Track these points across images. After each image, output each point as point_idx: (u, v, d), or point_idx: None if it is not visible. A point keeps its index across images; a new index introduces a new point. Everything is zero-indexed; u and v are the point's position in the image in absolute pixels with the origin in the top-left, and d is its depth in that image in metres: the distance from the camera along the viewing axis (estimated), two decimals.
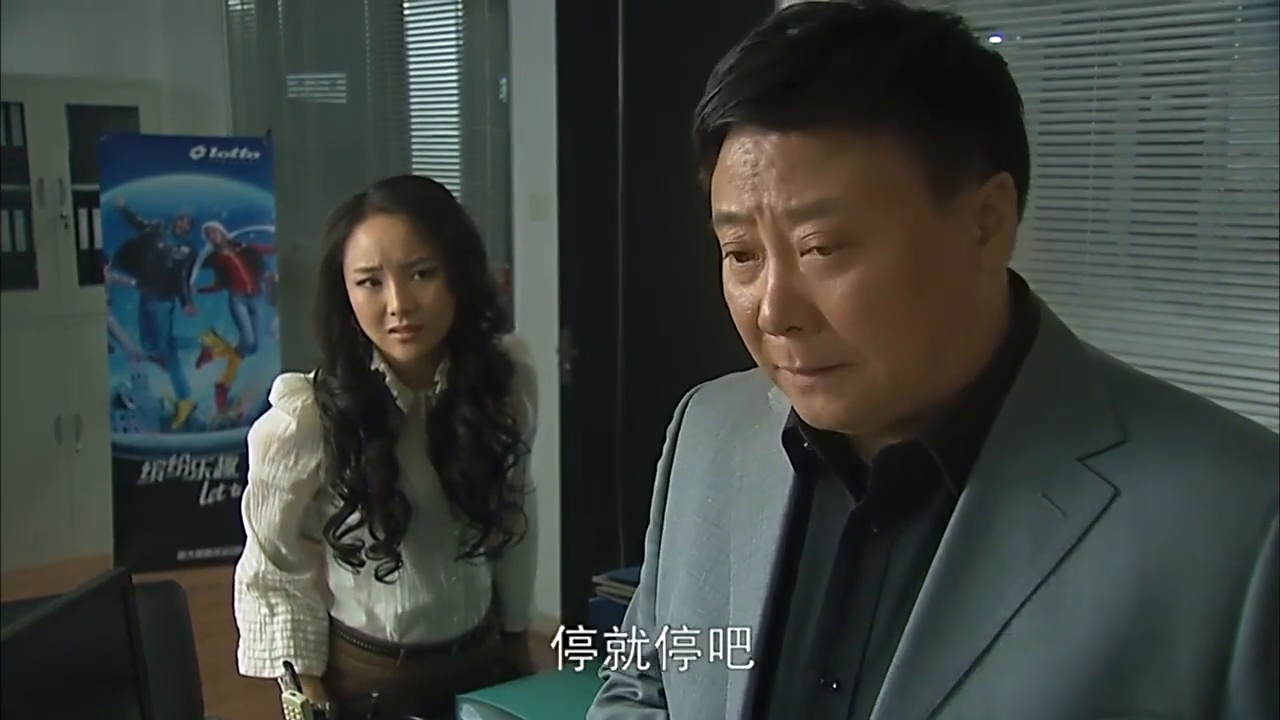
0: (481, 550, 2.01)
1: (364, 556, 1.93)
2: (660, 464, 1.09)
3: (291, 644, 1.95)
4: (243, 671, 1.98)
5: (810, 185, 0.79)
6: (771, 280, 0.82)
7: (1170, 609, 0.76)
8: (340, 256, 1.87)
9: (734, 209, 0.83)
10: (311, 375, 1.94)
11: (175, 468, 4.78)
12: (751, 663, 0.92)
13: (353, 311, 1.88)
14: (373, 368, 1.91)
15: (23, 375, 4.83)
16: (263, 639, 1.96)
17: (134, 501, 4.73)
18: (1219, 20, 2.67)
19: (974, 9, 3.08)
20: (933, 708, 0.81)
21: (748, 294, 0.85)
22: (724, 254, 0.87)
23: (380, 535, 1.90)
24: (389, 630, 1.99)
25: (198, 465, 4.80)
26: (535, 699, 2.12)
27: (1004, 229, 0.84)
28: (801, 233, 0.80)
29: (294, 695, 1.94)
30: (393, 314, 1.82)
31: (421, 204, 1.87)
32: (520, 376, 2.03)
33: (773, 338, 0.84)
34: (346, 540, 1.93)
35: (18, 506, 4.66)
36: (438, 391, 1.93)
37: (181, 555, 4.65)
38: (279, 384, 1.95)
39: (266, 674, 1.96)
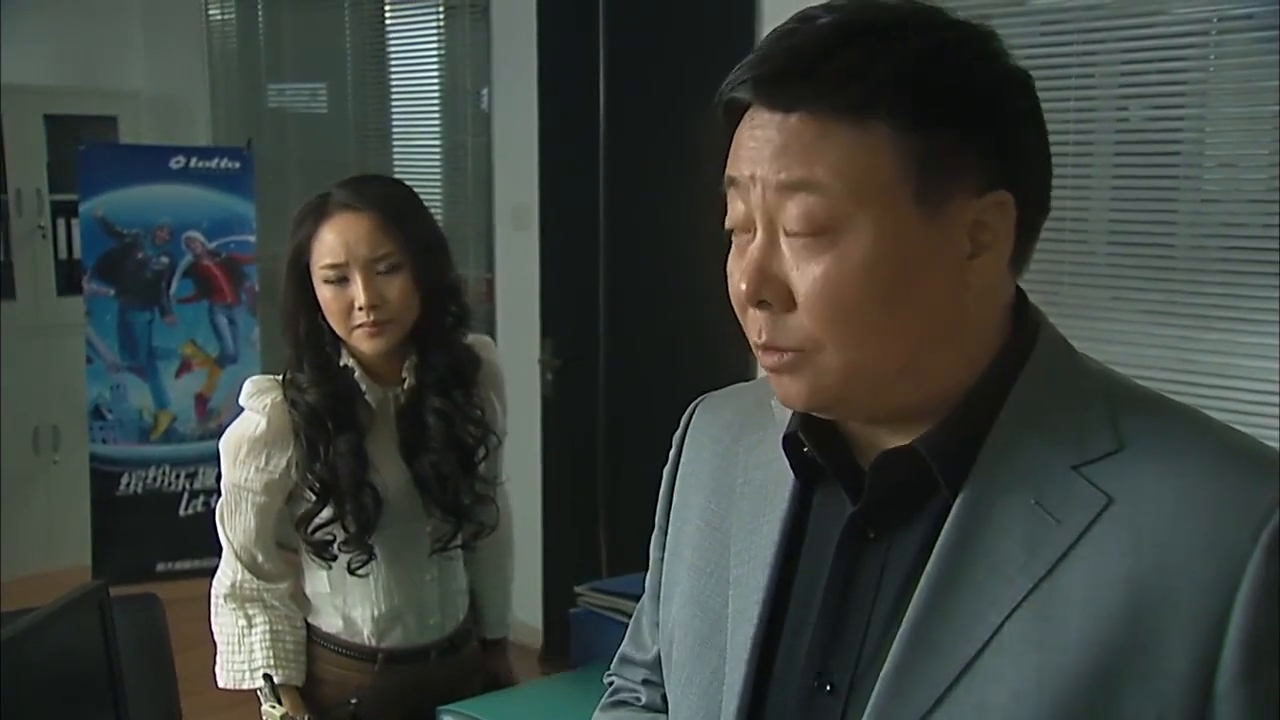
0: (456, 543, 2.01)
1: (336, 551, 1.94)
2: (666, 471, 1.10)
3: (271, 655, 1.95)
4: (221, 685, 1.97)
5: (798, 163, 0.82)
6: (754, 251, 0.85)
7: (1161, 618, 0.77)
8: (306, 254, 1.89)
9: (734, 174, 0.87)
10: (280, 376, 1.95)
11: (155, 479, 4.75)
12: (747, 665, 0.92)
13: (319, 309, 1.90)
14: (341, 364, 1.92)
15: (0, 386, 4.80)
16: (241, 651, 1.96)
17: (113, 513, 4.70)
18: (1195, 32, 2.69)
19: None
20: (924, 711, 0.82)
21: (739, 268, 0.87)
22: (730, 233, 0.90)
23: (352, 528, 1.91)
24: (366, 634, 1.99)
25: (177, 476, 4.77)
26: (516, 710, 2.11)
27: (997, 247, 0.85)
28: (786, 210, 0.83)
29: (273, 708, 1.94)
30: (359, 309, 1.85)
31: (385, 200, 1.89)
32: (486, 373, 2.05)
33: (750, 310, 0.87)
34: (319, 536, 1.93)
35: None
36: (405, 387, 1.95)
37: (161, 567, 4.62)
38: (248, 385, 1.97)
39: (246, 686, 1.95)
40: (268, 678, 1.94)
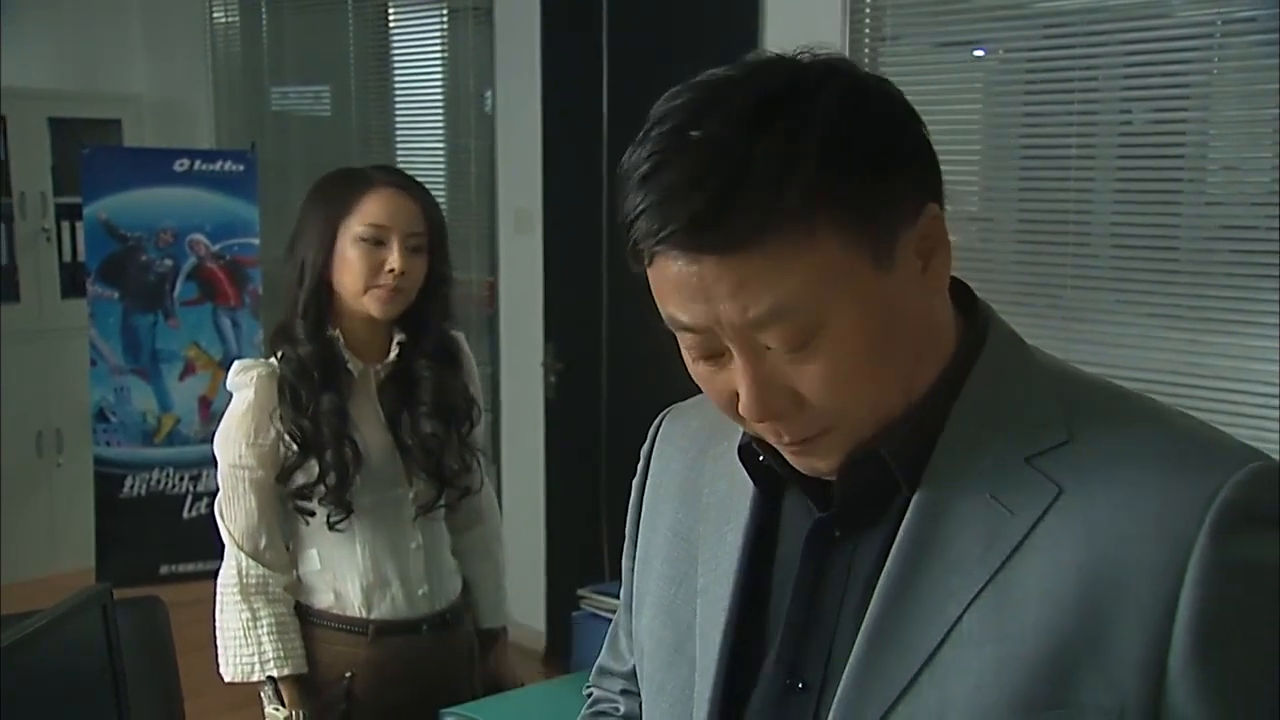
0: (440, 504, 2.08)
1: (316, 505, 2.00)
2: (635, 482, 1.11)
3: (280, 646, 1.98)
4: (229, 679, 1.99)
5: (763, 296, 0.79)
6: (746, 376, 0.83)
7: (1113, 606, 0.78)
8: (343, 217, 1.98)
9: (688, 320, 0.83)
10: (265, 359, 2.04)
11: (158, 481, 4.75)
12: (715, 674, 0.93)
13: (328, 275, 1.99)
14: (328, 334, 2.01)
15: (4, 389, 4.81)
16: (249, 644, 1.98)
17: (116, 516, 4.70)
18: (1199, 35, 2.69)
19: (958, 24, 3.10)
20: (887, 706, 0.83)
21: (720, 379, 0.86)
22: (686, 353, 0.87)
23: (331, 481, 1.97)
24: (356, 605, 2.04)
25: (181, 479, 4.77)
26: (519, 712, 2.12)
27: (941, 249, 0.86)
28: (764, 337, 0.81)
29: (277, 710, 1.94)
30: (389, 271, 1.96)
31: (423, 191, 2.06)
32: (469, 363, 2.17)
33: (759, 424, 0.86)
34: (301, 490, 1.99)
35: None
36: (391, 359, 2.05)
37: (164, 570, 4.62)
38: (234, 366, 2.06)
39: (255, 679, 1.98)
40: (272, 680, 1.95)
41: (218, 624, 2.02)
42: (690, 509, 1.02)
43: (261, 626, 1.98)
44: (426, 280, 2.03)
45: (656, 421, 1.12)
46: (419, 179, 2.12)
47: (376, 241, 1.96)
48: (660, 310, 0.85)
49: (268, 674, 1.96)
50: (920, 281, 0.85)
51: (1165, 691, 0.77)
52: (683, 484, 1.04)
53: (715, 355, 0.84)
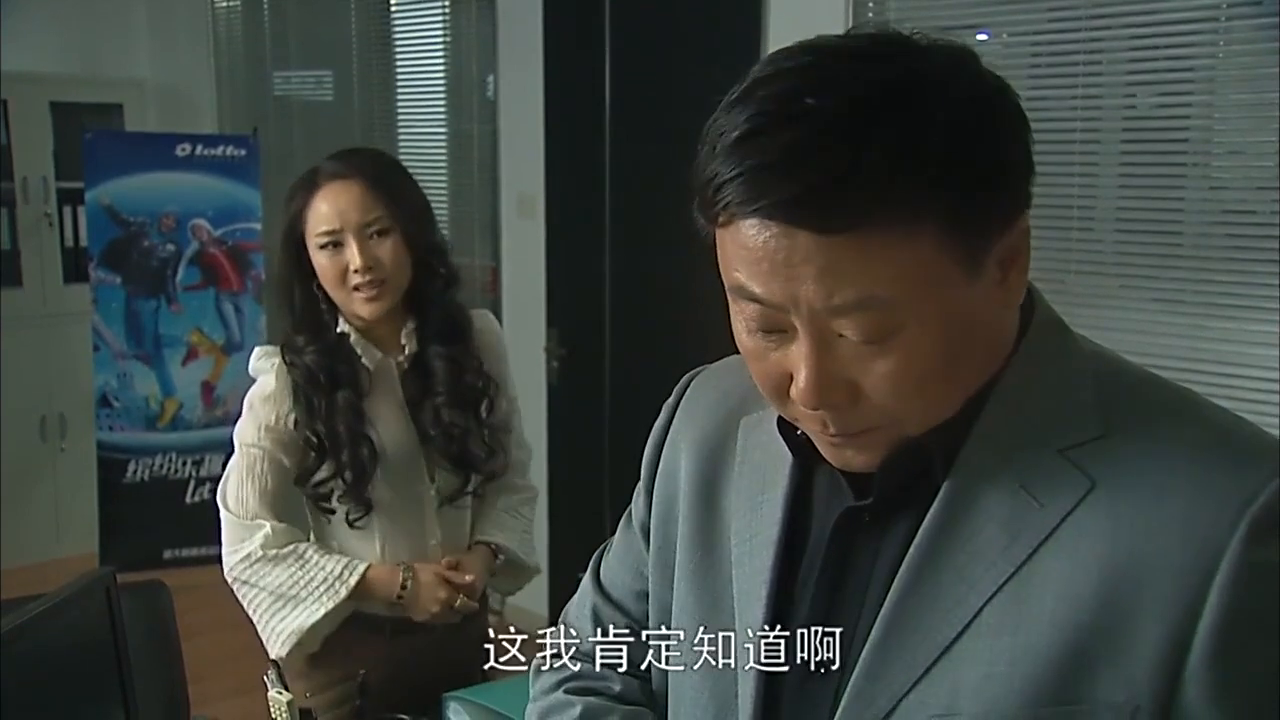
0: (467, 491, 2.06)
1: (335, 505, 1.99)
2: (653, 436, 1.09)
3: (340, 557, 1.95)
4: (311, 625, 1.93)
5: (852, 283, 0.76)
6: (809, 363, 0.80)
7: (1134, 603, 0.77)
8: (301, 225, 1.96)
9: (763, 293, 0.79)
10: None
11: (161, 467, 4.76)
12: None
13: (314, 278, 1.97)
14: (339, 330, 1.98)
15: (7, 374, 4.81)
16: (318, 573, 1.93)
17: (119, 500, 4.72)
18: (1204, 19, 2.68)
19: (961, 7, 3.08)
20: (900, 694, 0.83)
21: (774, 358, 0.83)
22: (743, 323, 0.84)
23: (348, 479, 1.96)
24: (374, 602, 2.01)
25: (184, 464, 4.78)
26: (522, 697, 2.12)
27: (1021, 261, 0.84)
28: (840, 325, 0.79)
29: (280, 694, 1.94)
30: (355, 271, 1.92)
31: (373, 169, 1.98)
32: (486, 342, 2.10)
33: (809, 410, 0.84)
34: (319, 490, 1.98)
35: (2, 506, 4.64)
36: (407, 353, 2.01)
37: (168, 554, 4.64)
38: (256, 351, 2.05)
39: (346, 591, 1.92)
40: (276, 665, 1.95)
41: (252, 605, 1.96)
42: (712, 466, 1.01)
43: (312, 558, 1.93)
44: (412, 256, 1.97)
45: (685, 380, 1.10)
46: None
47: (335, 244, 1.93)
48: (724, 276, 0.82)
49: (357, 574, 1.92)
50: (996, 293, 0.82)
51: (1179, 691, 0.77)
52: (706, 438, 1.02)
53: (776, 331, 0.81)
